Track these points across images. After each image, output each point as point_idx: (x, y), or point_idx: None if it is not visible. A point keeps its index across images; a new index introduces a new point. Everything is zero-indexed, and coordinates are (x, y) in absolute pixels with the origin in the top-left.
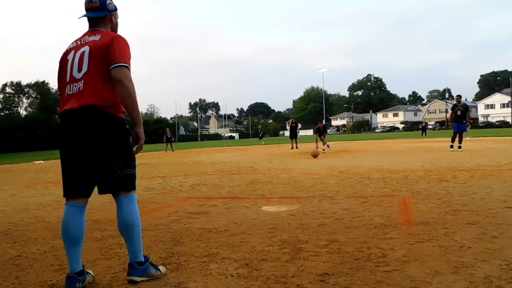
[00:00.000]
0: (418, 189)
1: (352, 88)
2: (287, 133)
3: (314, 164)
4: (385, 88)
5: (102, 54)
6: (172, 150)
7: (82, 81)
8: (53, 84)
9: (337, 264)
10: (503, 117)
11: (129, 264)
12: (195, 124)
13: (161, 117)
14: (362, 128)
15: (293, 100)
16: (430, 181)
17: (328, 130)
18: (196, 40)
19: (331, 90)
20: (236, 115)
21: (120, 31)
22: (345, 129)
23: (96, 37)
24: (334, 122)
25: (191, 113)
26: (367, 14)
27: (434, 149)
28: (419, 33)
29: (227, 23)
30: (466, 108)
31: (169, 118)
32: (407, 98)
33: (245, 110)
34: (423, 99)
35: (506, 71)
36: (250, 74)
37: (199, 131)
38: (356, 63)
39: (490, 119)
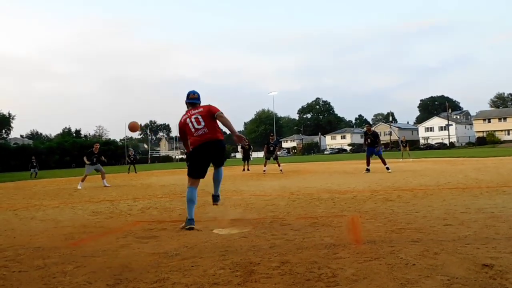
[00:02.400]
0: (365, 208)
1: (302, 111)
2: (238, 155)
3: (266, 185)
4: (333, 111)
5: (209, 114)
6: (135, 172)
7: (205, 128)
8: None
9: (289, 285)
10: (442, 139)
11: (213, 195)
12: (145, 146)
13: (110, 138)
14: (312, 150)
15: (245, 122)
16: (377, 201)
17: (279, 152)
18: (145, 61)
19: (281, 113)
20: None
21: (66, 51)
22: (295, 151)
23: (200, 109)
24: (285, 144)
25: (141, 135)
26: (313, 40)
27: (379, 170)
28: (363, 58)
29: (177, 44)
30: (376, 136)
31: (118, 140)
32: (353, 121)
33: None
34: (369, 122)
35: (443, 96)
36: (201, 95)
37: (149, 154)
38: (305, 86)
39: (430, 141)
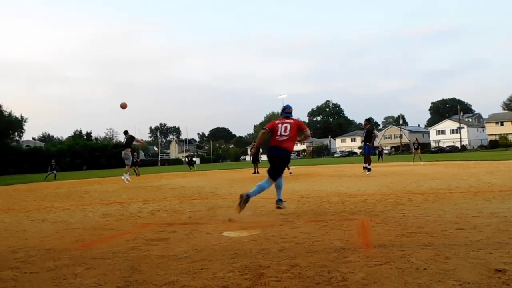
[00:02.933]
0: (375, 212)
1: (312, 113)
2: (248, 158)
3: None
4: (343, 114)
5: (297, 127)
6: (138, 175)
7: (287, 137)
8: (7, 107)
9: None
10: (453, 142)
11: (278, 200)
12: (156, 148)
13: (120, 141)
14: (322, 153)
15: (254, 125)
16: (387, 204)
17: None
18: (157, 64)
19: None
20: (197, 139)
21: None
22: (305, 154)
23: (291, 121)
24: (295, 147)
25: (152, 138)
26: (323, 43)
27: (390, 173)
28: (373, 62)
29: (188, 49)
30: (369, 132)
31: None
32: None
33: (206, 134)
34: (379, 125)
35: (454, 99)
36: (211, 99)
37: (159, 156)
38: (315, 89)
39: (441, 144)
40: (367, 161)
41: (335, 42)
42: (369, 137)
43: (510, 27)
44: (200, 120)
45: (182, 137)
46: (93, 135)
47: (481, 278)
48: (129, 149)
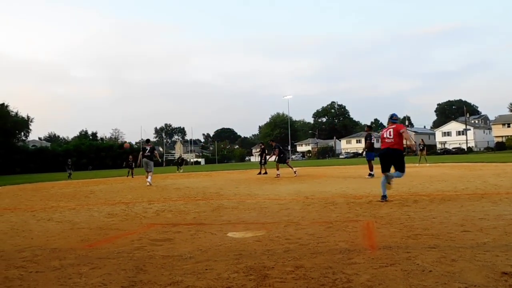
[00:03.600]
0: (381, 214)
1: (317, 114)
2: (253, 158)
3: (280, 189)
4: (349, 115)
5: (396, 131)
6: (132, 176)
7: (392, 139)
8: (13, 107)
9: None
10: (459, 144)
11: (389, 176)
12: (161, 149)
13: (125, 141)
14: (327, 154)
15: (259, 126)
16: (392, 206)
17: (294, 156)
18: (162, 64)
19: (296, 117)
20: (203, 140)
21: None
22: (310, 155)
23: (393, 126)
24: (300, 148)
25: (157, 138)
26: (329, 43)
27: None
28: (380, 62)
29: (193, 49)
30: (365, 138)
31: (134, 143)
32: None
33: (211, 135)
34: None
35: (460, 100)
36: (216, 99)
37: (164, 156)
38: (320, 90)
39: (447, 146)
40: (369, 167)
41: (342, 42)
42: (365, 143)
43: None
44: (205, 121)
45: (187, 137)
46: (99, 135)
47: (488, 281)
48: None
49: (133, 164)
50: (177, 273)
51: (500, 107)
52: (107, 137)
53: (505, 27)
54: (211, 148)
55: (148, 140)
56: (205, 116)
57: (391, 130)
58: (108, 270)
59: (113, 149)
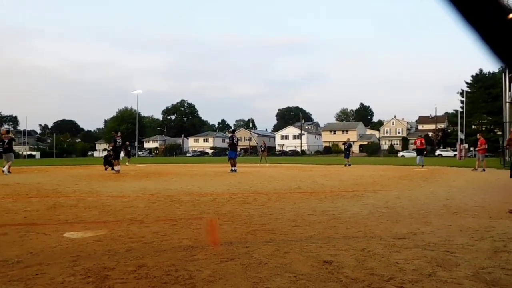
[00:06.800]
0: (224, 211)
1: (166, 112)
2: (96, 153)
3: (125, 186)
4: (197, 114)
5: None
6: None
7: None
8: None
9: None
10: (295, 146)
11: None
12: None
13: None
14: (174, 151)
15: (105, 120)
16: (235, 204)
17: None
18: None
19: (145, 112)
20: (39, 131)
21: None
22: (157, 152)
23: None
24: (147, 145)
25: None
26: (183, 41)
27: (238, 173)
28: (230, 66)
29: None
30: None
31: None
32: (216, 125)
33: (49, 127)
34: (231, 127)
35: (297, 107)
36: (57, 88)
37: None
38: (170, 87)
39: (285, 148)
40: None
41: (197, 42)
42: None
43: (347, 50)
44: (43, 111)
45: (20, 128)
46: None
47: (312, 269)
48: None
49: None
50: (1, 280)
51: (329, 115)
52: None
53: (339, 46)
54: (48, 141)
55: None
56: (43, 105)
57: None
58: None
59: None
